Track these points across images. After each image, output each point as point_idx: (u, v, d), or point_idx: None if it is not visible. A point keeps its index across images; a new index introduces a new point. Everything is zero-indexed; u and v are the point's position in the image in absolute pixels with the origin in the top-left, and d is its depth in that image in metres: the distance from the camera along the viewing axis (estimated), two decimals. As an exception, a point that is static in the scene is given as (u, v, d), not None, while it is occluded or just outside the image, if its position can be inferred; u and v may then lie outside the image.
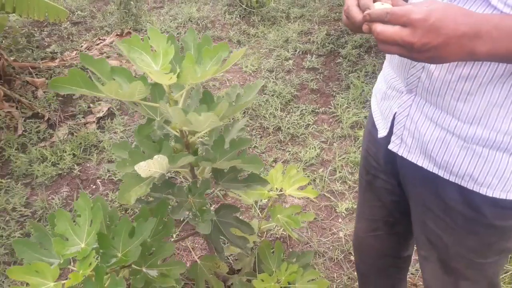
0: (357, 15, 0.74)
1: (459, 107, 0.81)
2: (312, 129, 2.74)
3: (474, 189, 0.86)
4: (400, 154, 0.95)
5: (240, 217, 1.44)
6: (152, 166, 1.07)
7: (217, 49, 1.07)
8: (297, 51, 3.60)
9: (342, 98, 2.96)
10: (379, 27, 0.68)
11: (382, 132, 1.00)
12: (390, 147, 0.97)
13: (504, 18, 0.66)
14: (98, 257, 1.14)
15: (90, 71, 1.05)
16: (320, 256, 1.95)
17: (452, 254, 0.99)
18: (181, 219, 2.19)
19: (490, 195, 0.84)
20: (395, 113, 0.93)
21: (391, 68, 0.98)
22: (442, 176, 0.89)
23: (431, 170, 0.90)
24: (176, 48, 1.09)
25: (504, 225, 0.89)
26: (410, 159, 0.94)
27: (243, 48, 1.07)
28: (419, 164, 0.92)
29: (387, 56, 1.03)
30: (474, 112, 0.80)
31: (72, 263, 1.19)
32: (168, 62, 1.07)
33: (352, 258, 1.93)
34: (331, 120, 2.83)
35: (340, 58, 3.45)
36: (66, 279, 1.08)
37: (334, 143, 2.60)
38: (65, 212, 1.15)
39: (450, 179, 0.88)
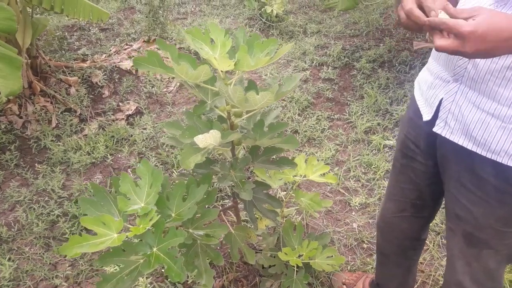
0: (422, 16, 0.90)
1: (500, 92, 0.97)
2: (327, 133, 2.95)
3: (508, 164, 1.00)
4: (443, 136, 1.11)
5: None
6: (208, 139, 1.27)
7: (268, 43, 1.29)
8: (314, 62, 3.82)
9: (356, 106, 3.17)
10: (438, 41, 0.85)
11: (426, 117, 1.16)
12: (435, 129, 1.12)
13: None
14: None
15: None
16: (335, 242, 2.13)
17: (481, 225, 1.14)
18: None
19: None
20: (441, 99, 1.10)
21: (437, 63, 1.16)
22: (480, 153, 1.03)
23: (470, 149, 1.06)
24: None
25: None
26: (452, 139, 1.09)
27: (291, 43, 1.29)
28: (460, 143, 1.07)
29: (432, 54, 1.20)
30: None
31: (127, 222, 1.38)
32: (225, 52, 1.28)
33: (365, 245, 2.11)
34: (345, 125, 3.03)
35: (355, 70, 3.67)
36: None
37: (349, 146, 2.81)
38: (128, 175, 1.35)
39: (487, 156, 1.02)
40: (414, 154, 1.30)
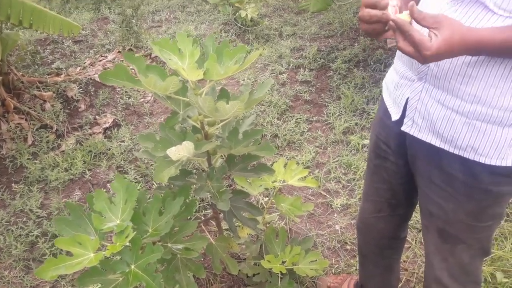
0: (379, 13, 0.91)
1: (462, 89, 0.98)
2: (307, 135, 2.95)
3: (474, 159, 1.02)
4: (411, 134, 1.12)
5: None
6: (181, 151, 1.25)
7: (236, 51, 1.27)
8: (290, 65, 3.83)
9: (334, 107, 3.19)
10: (401, 44, 0.88)
11: (395, 117, 1.17)
12: (403, 128, 1.13)
13: (494, 34, 0.87)
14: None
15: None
16: (318, 246, 2.13)
17: (451, 220, 1.16)
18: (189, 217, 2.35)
19: (488, 163, 1.02)
20: (408, 98, 1.11)
21: (402, 63, 1.16)
22: (447, 150, 1.06)
23: (438, 146, 1.07)
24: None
25: (498, 191, 1.07)
26: (420, 137, 1.10)
27: (259, 50, 1.28)
28: (428, 141, 1.09)
29: (397, 53, 1.21)
30: (474, 92, 0.97)
31: (104, 240, 1.35)
32: (194, 61, 1.27)
33: (349, 247, 2.12)
34: (324, 127, 3.04)
35: (331, 71, 3.69)
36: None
37: (328, 148, 2.81)
38: (103, 192, 1.32)
39: (454, 152, 1.05)
40: (386, 154, 1.31)
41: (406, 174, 1.28)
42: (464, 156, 1.04)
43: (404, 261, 2.03)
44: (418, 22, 0.87)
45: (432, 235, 1.24)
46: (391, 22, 0.88)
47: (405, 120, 1.13)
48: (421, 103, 1.08)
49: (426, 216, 1.24)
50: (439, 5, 1.00)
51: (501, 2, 0.89)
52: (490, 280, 1.90)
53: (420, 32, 0.86)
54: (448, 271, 1.24)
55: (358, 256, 1.69)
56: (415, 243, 2.11)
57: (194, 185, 1.46)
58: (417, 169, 1.21)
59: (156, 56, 4.10)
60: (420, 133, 1.10)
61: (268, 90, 3.47)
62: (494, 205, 1.11)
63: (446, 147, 1.06)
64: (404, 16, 0.89)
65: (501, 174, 1.04)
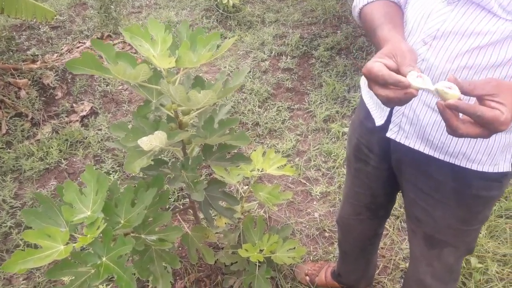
0: (405, 79, 0.76)
1: None
2: (288, 123, 2.94)
3: (466, 166, 0.98)
4: (397, 141, 1.05)
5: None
6: (153, 141, 1.22)
7: (210, 38, 1.24)
8: (273, 53, 3.79)
9: (316, 95, 3.17)
10: (462, 129, 0.73)
11: (379, 122, 1.09)
12: (388, 134, 1.06)
13: None
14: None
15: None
16: (297, 233, 2.13)
17: (440, 226, 1.13)
18: (167, 207, 2.33)
19: (480, 170, 0.98)
20: None
21: None
22: (437, 157, 1.00)
23: (426, 153, 1.01)
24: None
25: (488, 195, 1.05)
26: (407, 144, 1.03)
27: (234, 37, 1.25)
28: (416, 148, 1.02)
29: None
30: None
31: (76, 232, 1.32)
32: (166, 49, 1.23)
33: (327, 234, 2.12)
34: (305, 115, 3.03)
35: (313, 59, 3.67)
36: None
37: (309, 136, 2.80)
38: (73, 183, 1.29)
39: (444, 159, 1.00)
40: (368, 158, 1.26)
41: (388, 178, 1.25)
42: (455, 163, 1.00)
43: (381, 248, 2.05)
44: (468, 94, 0.74)
45: (418, 241, 1.22)
46: (448, 108, 0.74)
47: (391, 125, 1.06)
48: (409, 107, 1.00)
49: (413, 221, 1.21)
50: (432, 4, 0.92)
51: (507, 4, 0.81)
52: (465, 266, 1.93)
53: (487, 108, 0.73)
54: (432, 274, 1.24)
55: (338, 249, 1.71)
56: (393, 229, 2.12)
57: (169, 175, 1.43)
58: (402, 174, 1.16)
59: (136, 43, 4.01)
60: (407, 140, 1.04)
61: (250, 78, 3.44)
62: (485, 209, 1.09)
63: (435, 154, 1.01)
64: (451, 95, 0.74)
65: (492, 179, 1.02)
